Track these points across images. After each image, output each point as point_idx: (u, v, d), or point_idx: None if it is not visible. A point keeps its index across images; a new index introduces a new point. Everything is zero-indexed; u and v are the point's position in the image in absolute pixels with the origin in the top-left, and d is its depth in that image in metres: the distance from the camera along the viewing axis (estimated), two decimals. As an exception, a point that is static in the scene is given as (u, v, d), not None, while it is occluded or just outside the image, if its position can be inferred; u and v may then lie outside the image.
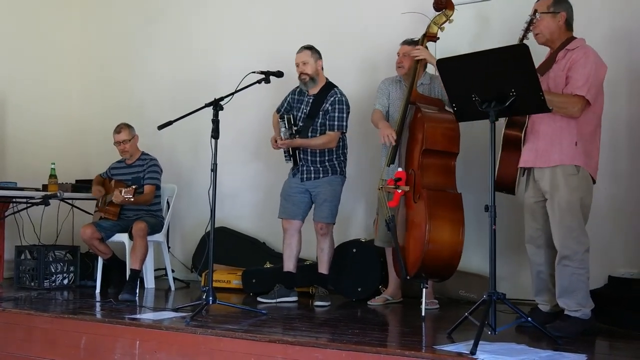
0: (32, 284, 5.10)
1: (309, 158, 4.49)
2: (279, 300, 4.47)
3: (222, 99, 4.01)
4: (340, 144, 4.52)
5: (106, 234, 4.89)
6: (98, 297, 4.71)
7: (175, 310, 4.00)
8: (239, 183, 5.67)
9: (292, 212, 4.52)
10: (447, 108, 4.05)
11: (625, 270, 4.08)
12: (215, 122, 3.94)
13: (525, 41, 3.42)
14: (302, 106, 4.56)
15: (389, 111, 4.40)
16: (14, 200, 5.32)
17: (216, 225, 4.23)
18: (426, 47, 4.20)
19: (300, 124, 4.48)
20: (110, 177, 5.23)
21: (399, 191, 3.86)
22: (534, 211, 3.52)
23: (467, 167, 4.33)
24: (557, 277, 3.40)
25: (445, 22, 4.21)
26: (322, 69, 4.57)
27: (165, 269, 5.31)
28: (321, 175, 4.47)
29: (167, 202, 5.37)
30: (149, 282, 5.20)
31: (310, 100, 4.53)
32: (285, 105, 4.69)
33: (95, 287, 5.00)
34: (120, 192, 4.66)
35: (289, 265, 4.54)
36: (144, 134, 5.26)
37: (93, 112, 6.48)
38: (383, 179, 4.14)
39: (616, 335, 3.46)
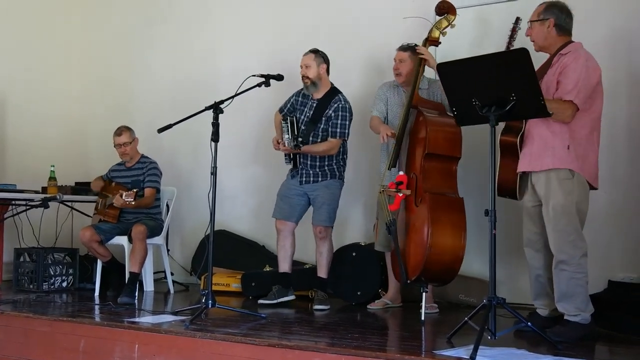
0: (31, 286, 5.09)
1: (309, 162, 4.48)
2: (279, 300, 4.47)
3: (222, 102, 4.01)
4: (341, 149, 4.52)
5: (105, 236, 4.88)
6: (97, 300, 4.71)
7: (175, 313, 3.99)
8: (239, 185, 5.67)
9: (288, 213, 4.53)
10: (447, 112, 4.04)
11: (625, 274, 4.07)
12: (215, 125, 3.94)
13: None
14: (306, 109, 4.56)
15: (387, 117, 4.39)
16: (13, 202, 5.30)
17: (215, 228, 4.22)
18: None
19: (303, 127, 4.47)
20: (111, 179, 5.23)
21: (401, 195, 3.86)
22: (533, 215, 3.52)
23: (467, 172, 4.32)
24: (555, 281, 3.40)
25: (447, 26, 4.22)
26: (328, 73, 4.56)
27: (164, 271, 5.30)
28: (320, 179, 4.47)
29: (167, 205, 5.37)
30: (148, 285, 5.19)
31: (314, 105, 4.53)
32: (289, 106, 4.68)
33: (94, 290, 4.99)
34: (121, 195, 4.66)
35: (284, 266, 4.55)
36: (144, 136, 5.26)
37: (93, 114, 6.47)
38: (383, 184, 4.13)
39: (616, 340, 3.46)
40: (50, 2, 6.36)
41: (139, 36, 6.30)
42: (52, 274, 5.16)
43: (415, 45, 4.29)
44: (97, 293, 4.94)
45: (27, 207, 4.97)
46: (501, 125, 3.52)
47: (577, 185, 3.36)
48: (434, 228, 3.72)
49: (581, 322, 3.33)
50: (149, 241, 4.89)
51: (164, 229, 5.17)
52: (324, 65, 4.52)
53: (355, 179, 5.03)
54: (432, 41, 4.23)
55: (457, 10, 4.24)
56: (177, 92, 5.94)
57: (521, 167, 3.49)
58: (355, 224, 5.16)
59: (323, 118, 4.47)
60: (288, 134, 4.44)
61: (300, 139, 4.40)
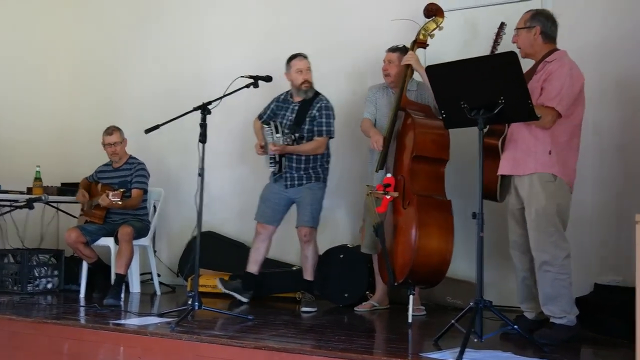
0: (15, 288, 5.04)
1: (294, 165, 4.49)
2: (230, 292, 4.59)
3: (209, 103, 3.99)
4: (326, 151, 4.54)
5: (91, 237, 4.85)
6: (82, 302, 4.67)
7: (161, 315, 3.97)
8: (227, 187, 5.65)
9: (269, 217, 4.57)
10: (435, 115, 4.05)
11: (611, 277, 4.10)
12: (203, 126, 3.92)
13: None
14: (287, 113, 4.57)
15: (376, 119, 4.40)
16: (-3, 203, 5.26)
17: (203, 230, 4.22)
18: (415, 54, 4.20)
19: (286, 130, 4.47)
20: (97, 180, 5.18)
21: (388, 197, 3.86)
22: (518, 218, 3.55)
23: (453, 173, 4.33)
24: (539, 284, 3.42)
25: (435, 29, 4.22)
26: None
27: (151, 273, 5.27)
28: (304, 182, 4.49)
29: (154, 206, 5.33)
30: (135, 287, 5.16)
31: (296, 107, 4.53)
32: (269, 112, 4.70)
33: (79, 291, 4.95)
34: (108, 195, 4.63)
35: (253, 267, 4.62)
36: (132, 136, 5.22)
37: (80, 114, 6.42)
38: (371, 185, 4.13)
39: (601, 342, 3.48)
40: (39, 3, 6.30)
41: (128, 36, 6.27)
42: (37, 275, 5.12)
43: (404, 46, 4.29)
44: (82, 295, 4.89)
45: (12, 208, 4.91)
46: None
47: (558, 189, 3.41)
48: (421, 230, 3.72)
49: (567, 324, 3.35)
50: (135, 242, 4.85)
51: (150, 230, 5.14)
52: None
53: (342, 180, 5.03)
54: (419, 43, 4.24)
55: (445, 13, 4.25)
56: (166, 93, 5.91)
57: (504, 170, 3.52)
58: (344, 227, 5.16)
59: (307, 119, 4.48)
60: (279, 134, 4.43)
61: (297, 134, 4.39)
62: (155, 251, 5.38)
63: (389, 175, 3.94)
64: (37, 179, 5.38)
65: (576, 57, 3.54)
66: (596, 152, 4.29)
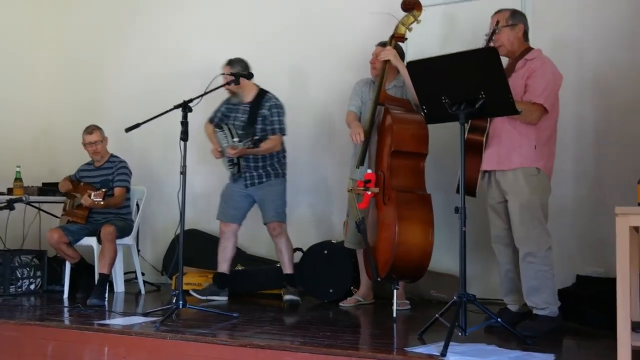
0: (-2, 289, 5.00)
1: (252, 164, 4.55)
2: (208, 297, 4.61)
3: (191, 100, 3.97)
4: (281, 147, 4.60)
5: (74, 237, 4.81)
6: (66, 303, 4.63)
7: (145, 314, 3.95)
8: (210, 184, 5.61)
9: (232, 215, 4.64)
10: (415, 109, 4.06)
11: (592, 269, 4.15)
12: (184, 124, 3.90)
13: None
14: (238, 114, 4.61)
15: (362, 112, 4.40)
16: (-23, 204, 5.19)
17: (187, 227, 4.20)
18: (395, 48, 4.20)
19: (240, 131, 4.50)
20: (79, 180, 5.14)
21: (369, 193, 3.86)
22: (499, 211, 3.59)
23: (436, 168, 4.35)
24: (522, 276, 3.46)
25: (412, 22, 4.21)
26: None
27: (135, 272, 5.24)
28: (264, 180, 4.56)
29: (137, 205, 5.30)
30: (119, 286, 5.13)
31: (247, 108, 4.57)
32: (219, 115, 4.71)
33: (63, 292, 4.91)
34: (90, 195, 4.59)
35: (223, 267, 4.68)
36: (114, 134, 5.17)
37: (61, 113, 6.35)
38: (353, 179, 4.13)
39: (583, 333, 3.52)
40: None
41: (110, 33, 6.20)
42: (20, 276, 5.06)
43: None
44: (66, 295, 4.85)
45: (-8, 209, 4.87)
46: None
47: (541, 182, 3.48)
48: (402, 225, 3.73)
49: (550, 315, 3.40)
50: (118, 242, 4.83)
51: (134, 228, 5.11)
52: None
53: (327, 177, 5.04)
54: (397, 37, 4.24)
55: (423, 7, 4.24)
56: (148, 91, 5.86)
57: (489, 165, 3.54)
58: (328, 222, 5.16)
59: (259, 118, 4.51)
60: (235, 137, 4.47)
61: (256, 137, 4.42)
62: (139, 250, 5.35)
63: (369, 171, 3.94)
64: (18, 179, 5.32)
65: (555, 53, 3.58)
66: (577, 146, 4.34)
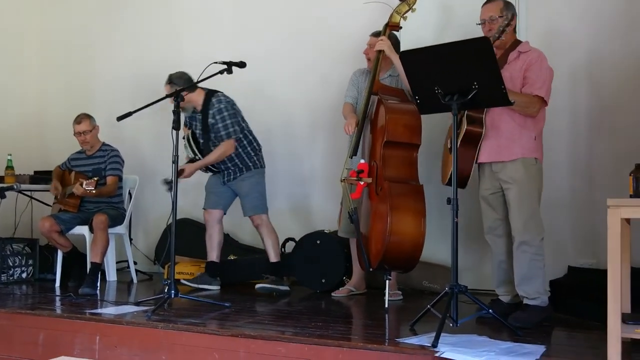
0: (-11, 278, 4.98)
1: (221, 165, 4.59)
2: (200, 286, 4.62)
3: (182, 90, 3.95)
4: (245, 142, 4.59)
5: (66, 226, 4.79)
6: (58, 291, 4.62)
7: (137, 304, 3.94)
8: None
9: (214, 202, 4.66)
10: (409, 99, 4.04)
11: (584, 260, 4.16)
12: (176, 113, 3.87)
13: None
14: (197, 124, 4.64)
15: (358, 102, 4.39)
16: (-32, 192, 5.16)
17: (179, 217, 4.17)
18: (389, 38, 4.18)
19: (201, 140, 4.57)
20: (70, 168, 5.12)
21: (362, 183, 3.85)
22: (492, 202, 3.59)
23: (429, 159, 4.34)
24: (515, 264, 3.47)
25: (407, 11, 4.18)
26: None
27: (127, 261, 5.23)
28: (238, 175, 4.60)
29: (130, 193, 5.28)
30: (111, 275, 5.13)
31: (199, 117, 4.59)
32: (188, 121, 4.72)
33: (54, 280, 4.90)
34: (82, 184, 4.58)
35: (212, 255, 4.69)
36: (106, 123, 5.15)
37: (52, 101, 6.32)
38: (347, 168, 4.12)
39: (574, 324, 3.52)
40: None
41: (101, 20, 6.15)
42: (11, 265, 5.05)
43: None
44: (57, 284, 4.85)
45: (-17, 198, 4.84)
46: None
47: (538, 172, 3.51)
48: (394, 216, 3.72)
49: (540, 305, 3.41)
50: (110, 230, 4.81)
51: (126, 217, 5.10)
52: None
53: (321, 166, 5.03)
54: (392, 26, 4.21)
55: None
56: (139, 79, 5.82)
57: (489, 157, 3.53)
58: (320, 212, 5.16)
59: (209, 127, 4.53)
60: (187, 150, 4.55)
61: (197, 157, 4.53)
62: (131, 239, 5.33)
63: (362, 161, 3.93)
64: (9, 167, 5.30)
65: (547, 44, 3.57)
66: (571, 137, 4.34)
